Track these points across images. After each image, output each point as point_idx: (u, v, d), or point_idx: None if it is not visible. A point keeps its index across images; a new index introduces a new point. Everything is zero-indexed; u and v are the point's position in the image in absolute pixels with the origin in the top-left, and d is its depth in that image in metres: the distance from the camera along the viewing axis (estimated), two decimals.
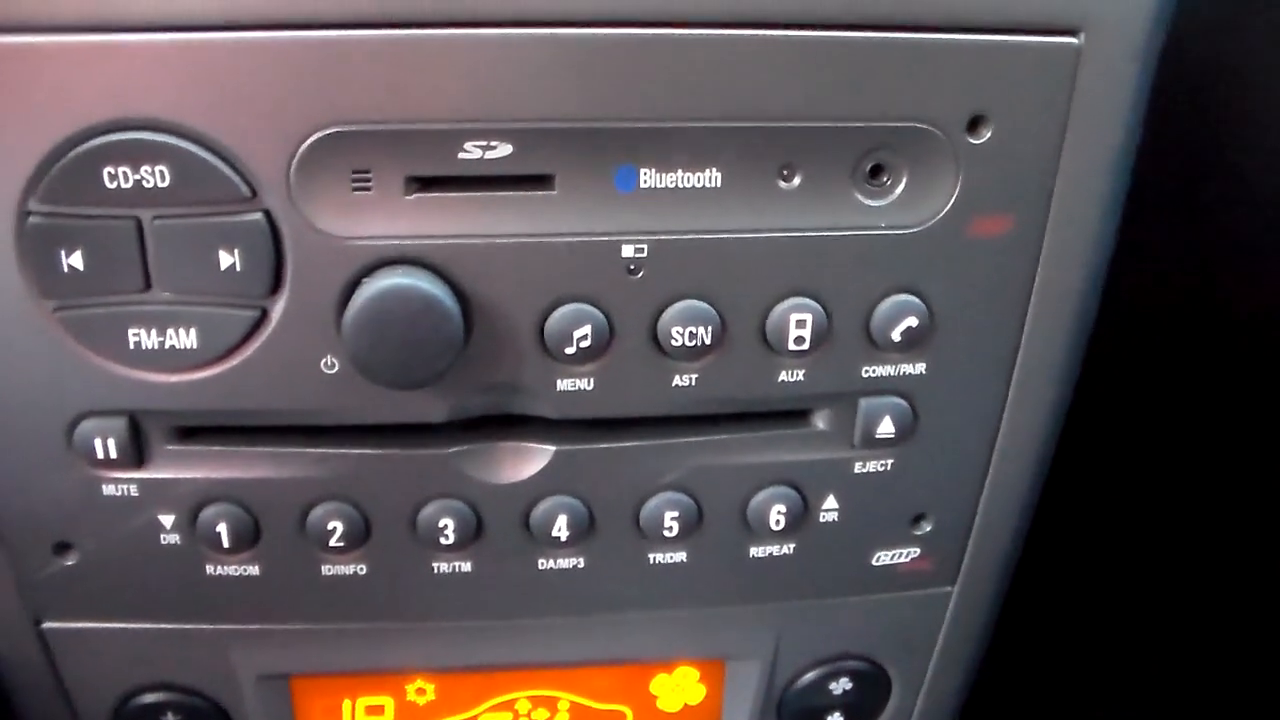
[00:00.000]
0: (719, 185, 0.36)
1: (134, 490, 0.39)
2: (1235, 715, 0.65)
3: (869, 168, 0.37)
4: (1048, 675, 0.70)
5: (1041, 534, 0.48)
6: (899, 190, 0.37)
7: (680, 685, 0.48)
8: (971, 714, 0.53)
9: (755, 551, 0.42)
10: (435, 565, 0.41)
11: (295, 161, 0.33)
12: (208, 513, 0.39)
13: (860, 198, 0.37)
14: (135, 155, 0.33)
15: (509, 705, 0.47)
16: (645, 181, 0.35)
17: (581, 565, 0.42)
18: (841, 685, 0.48)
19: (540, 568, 0.42)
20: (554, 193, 0.35)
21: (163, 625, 0.42)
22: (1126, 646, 0.68)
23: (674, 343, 0.37)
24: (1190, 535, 0.63)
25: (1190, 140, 0.53)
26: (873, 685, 0.48)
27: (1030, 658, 0.68)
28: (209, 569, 0.41)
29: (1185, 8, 0.38)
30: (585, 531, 0.41)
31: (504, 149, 0.34)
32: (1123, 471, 0.63)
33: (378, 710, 0.47)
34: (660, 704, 0.48)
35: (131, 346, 0.36)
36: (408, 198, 0.35)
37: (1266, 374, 0.57)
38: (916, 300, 0.38)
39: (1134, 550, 0.65)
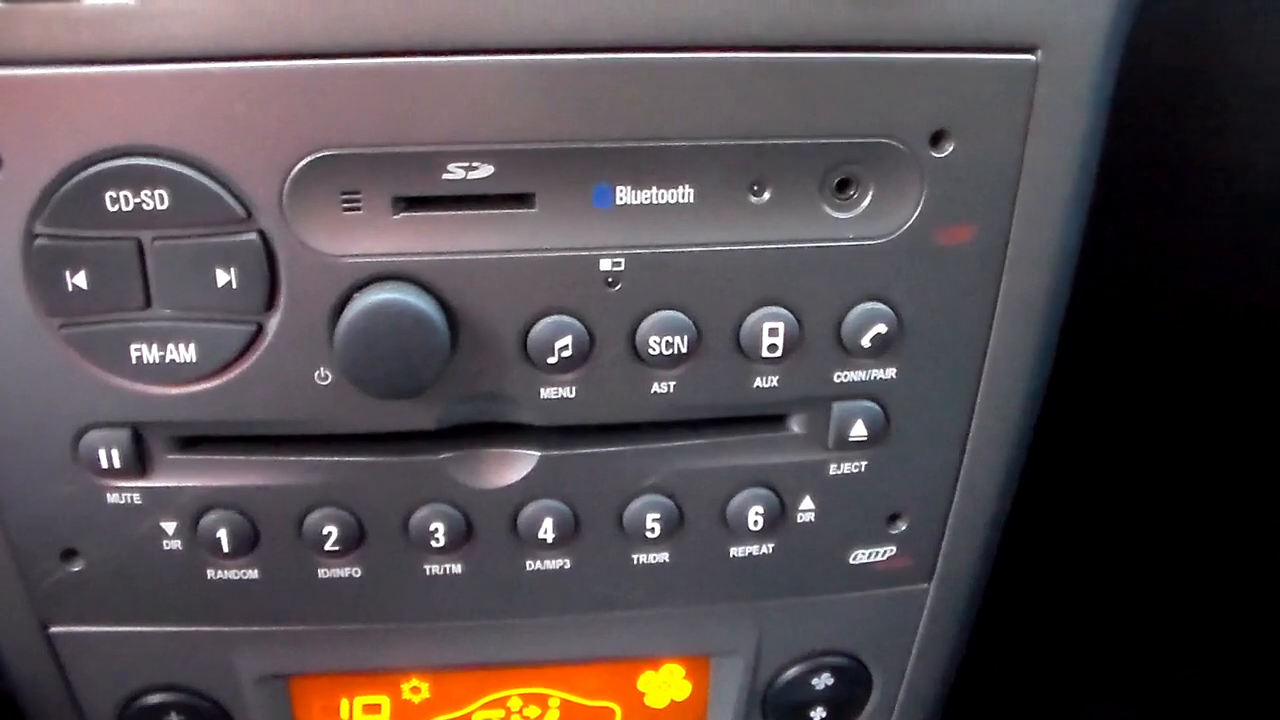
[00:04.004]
0: (692, 201, 0.37)
1: (137, 498, 0.40)
2: (1221, 707, 0.66)
3: (836, 181, 0.38)
4: (1032, 669, 0.71)
5: (1022, 530, 0.49)
6: (866, 203, 0.38)
7: (667, 682, 0.49)
8: (956, 707, 0.54)
9: (735, 551, 0.44)
10: (427, 567, 0.42)
11: (288, 184, 0.35)
12: (208, 519, 0.40)
13: (828, 210, 0.38)
14: (136, 180, 0.34)
15: (501, 703, 0.48)
16: (621, 198, 0.37)
17: (568, 566, 0.43)
18: (824, 680, 0.49)
19: (528, 569, 0.43)
20: (534, 210, 0.37)
21: (166, 628, 0.44)
22: (1109, 640, 0.69)
23: (652, 352, 0.38)
24: (1171, 529, 0.64)
25: (1167, 141, 0.54)
26: (854, 680, 0.49)
27: (1014, 652, 0.69)
28: (210, 573, 0.42)
29: (1158, 13, 0.39)
30: (571, 533, 0.42)
31: (486, 169, 0.35)
32: (1104, 468, 0.64)
33: (374, 709, 0.48)
34: (648, 700, 0.49)
35: (133, 361, 0.37)
36: (395, 217, 0.36)
37: (1240, 372, 0.58)
38: (885, 308, 0.39)
39: (1115, 545, 0.66)
